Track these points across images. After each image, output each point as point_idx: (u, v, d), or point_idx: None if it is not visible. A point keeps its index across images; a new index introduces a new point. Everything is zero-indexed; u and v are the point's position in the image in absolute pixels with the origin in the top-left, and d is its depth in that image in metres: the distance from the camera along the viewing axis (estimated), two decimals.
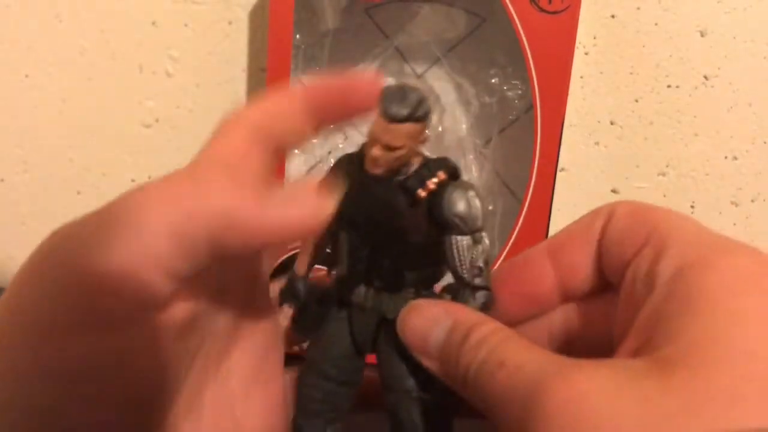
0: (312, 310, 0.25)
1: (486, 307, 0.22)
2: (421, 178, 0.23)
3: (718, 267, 0.17)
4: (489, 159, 0.47)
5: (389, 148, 0.22)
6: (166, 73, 0.50)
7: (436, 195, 0.22)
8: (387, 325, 0.23)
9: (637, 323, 0.18)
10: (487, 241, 0.22)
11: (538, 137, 0.41)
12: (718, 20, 0.47)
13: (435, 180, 0.22)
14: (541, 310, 0.23)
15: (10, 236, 0.54)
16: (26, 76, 0.51)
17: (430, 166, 0.23)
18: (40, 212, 0.53)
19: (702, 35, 0.48)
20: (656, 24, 0.48)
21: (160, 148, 0.52)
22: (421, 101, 0.22)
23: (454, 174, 0.23)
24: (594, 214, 0.22)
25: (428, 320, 0.22)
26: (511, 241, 0.42)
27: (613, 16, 0.48)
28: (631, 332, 0.18)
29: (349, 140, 0.47)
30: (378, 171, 0.22)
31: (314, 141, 0.48)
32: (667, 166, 0.50)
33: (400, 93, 0.22)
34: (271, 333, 0.25)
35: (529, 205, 0.42)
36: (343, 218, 0.22)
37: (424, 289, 0.24)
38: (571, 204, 0.51)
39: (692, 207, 0.50)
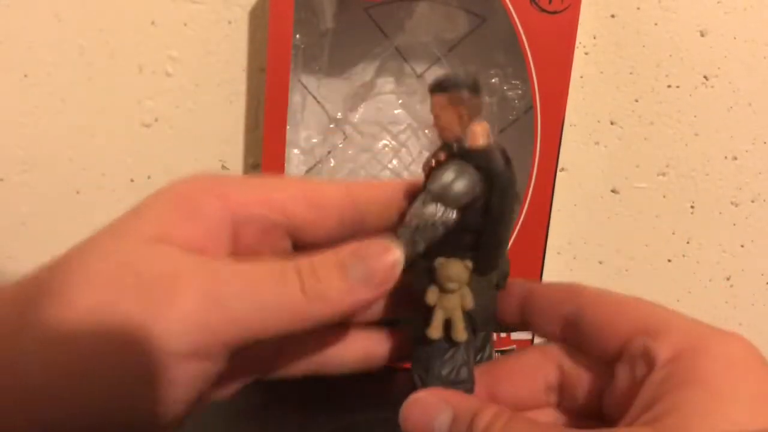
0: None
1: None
2: (428, 158, 0.25)
3: (712, 353, 0.20)
4: None
5: (433, 117, 0.24)
6: (166, 73, 0.50)
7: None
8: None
9: (640, 397, 0.20)
10: (427, 209, 0.23)
11: (538, 137, 0.41)
12: (718, 20, 0.47)
13: (434, 161, 0.24)
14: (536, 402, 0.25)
15: (10, 236, 0.54)
16: (26, 75, 0.51)
17: (449, 146, 0.24)
18: (40, 212, 0.53)
19: (702, 35, 0.48)
20: (656, 24, 0.48)
21: (160, 147, 0.51)
22: (446, 78, 0.24)
23: (461, 154, 0.24)
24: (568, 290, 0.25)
25: (428, 414, 0.22)
26: (511, 241, 0.42)
27: (613, 16, 0.48)
28: (634, 404, 0.20)
29: (348, 140, 0.47)
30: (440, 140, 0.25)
31: (314, 141, 0.48)
32: (667, 166, 0.50)
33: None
34: None
35: (529, 205, 0.42)
36: None
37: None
38: (571, 204, 0.51)
39: (692, 207, 0.50)
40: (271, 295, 0.20)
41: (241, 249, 0.23)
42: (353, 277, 0.22)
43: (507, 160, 0.25)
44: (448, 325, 0.24)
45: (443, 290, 0.24)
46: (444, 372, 0.25)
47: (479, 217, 0.24)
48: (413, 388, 0.25)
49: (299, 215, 0.23)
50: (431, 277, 0.24)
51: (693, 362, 0.20)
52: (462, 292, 0.24)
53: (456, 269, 0.24)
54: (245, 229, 0.22)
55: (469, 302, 0.24)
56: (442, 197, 0.23)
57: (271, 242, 0.23)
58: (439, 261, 0.24)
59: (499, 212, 0.24)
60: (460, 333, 0.24)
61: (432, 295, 0.24)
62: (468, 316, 0.24)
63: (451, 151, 0.24)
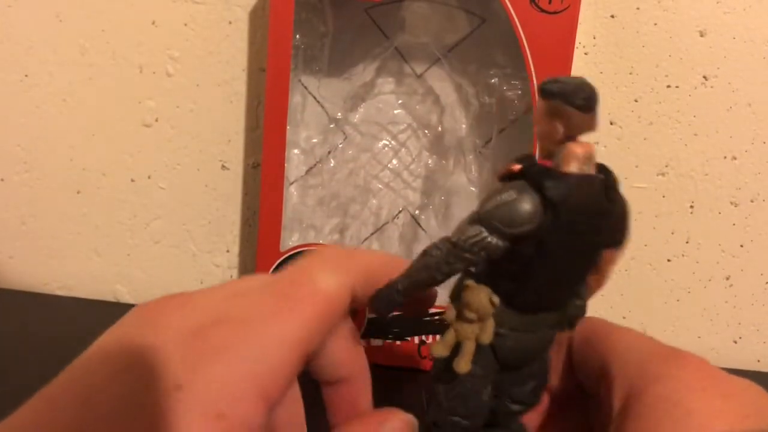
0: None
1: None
2: (508, 163, 0.22)
3: (652, 395, 0.20)
4: (489, 159, 0.47)
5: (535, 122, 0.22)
6: (166, 73, 0.50)
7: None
8: None
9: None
10: (476, 232, 0.21)
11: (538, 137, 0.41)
12: (718, 20, 0.47)
13: (506, 170, 0.22)
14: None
15: (10, 236, 0.54)
16: (26, 75, 0.51)
17: (530, 159, 0.22)
18: (40, 212, 0.53)
19: (701, 35, 0.48)
20: (656, 24, 0.48)
21: (161, 147, 0.52)
22: (554, 81, 0.21)
23: (531, 176, 0.21)
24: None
25: None
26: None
27: (612, 16, 0.48)
28: None
29: (348, 140, 0.47)
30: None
31: (314, 141, 0.48)
32: (666, 166, 0.50)
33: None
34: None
35: None
36: None
37: None
38: None
39: (691, 207, 0.50)
40: None
41: None
42: None
43: (609, 197, 0.22)
44: (456, 351, 0.22)
45: (459, 316, 0.22)
46: (447, 404, 0.23)
47: (530, 249, 0.21)
48: (426, 403, 0.24)
49: (313, 344, 0.22)
50: (456, 295, 0.22)
51: (636, 410, 0.20)
52: (482, 325, 0.22)
53: (477, 299, 0.21)
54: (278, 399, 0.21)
55: (487, 338, 0.22)
56: (487, 223, 0.20)
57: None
58: (468, 283, 0.22)
59: (557, 249, 0.21)
60: (462, 364, 0.21)
61: (450, 314, 0.22)
62: (486, 351, 0.22)
63: (528, 166, 0.21)
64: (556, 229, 0.20)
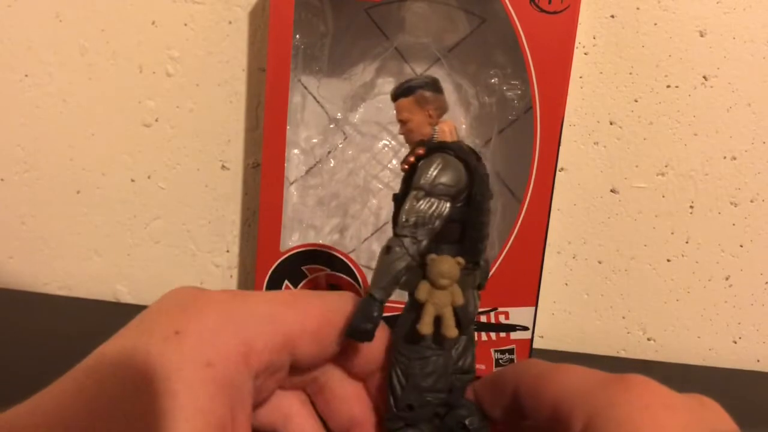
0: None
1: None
2: (406, 156, 0.25)
3: (615, 404, 0.20)
4: (488, 159, 0.47)
5: (400, 122, 0.26)
6: (166, 73, 0.50)
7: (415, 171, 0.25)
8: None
9: None
10: (429, 203, 0.24)
11: (538, 137, 0.41)
12: (718, 20, 0.47)
13: (413, 157, 0.25)
14: None
15: (10, 236, 0.54)
16: (26, 75, 0.51)
17: (424, 143, 0.25)
18: (40, 212, 0.54)
19: (701, 35, 0.48)
20: (656, 24, 0.48)
21: (160, 147, 0.52)
22: (408, 81, 0.25)
23: (439, 149, 0.25)
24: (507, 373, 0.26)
25: None
26: (511, 240, 0.42)
27: (612, 16, 0.48)
28: None
29: (348, 140, 0.47)
30: (409, 144, 0.26)
31: (314, 141, 0.48)
32: (666, 166, 0.50)
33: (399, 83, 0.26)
34: None
35: (528, 205, 0.42)
36: None
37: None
38: (570, 204, 0.51)
39: (691, 207, 0.50)
40: None
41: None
42: None
43: (478, 158, 0.26)
44: (437, 322, 0.24)
45: (435, 286, 0.24)
46: (424, 384, 0.25)
47: (464, 208, 0.25)
48: (391, 387, 0.25)
49: (306, 351, 0.24)
50: (423, 272, 0.24)
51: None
52: (452, 289, 0.24)
53: (448, 265, 0.24)
54: (260, 374, 0.22)
55: (460, 298, 0.24)
56: (434, 190, 0.24)
57: (276, 377, 0.24)
58: (431, 257, 0.24)
59: (480, 202, 0.25)
60: (451, 329, 0.24)
61: (423, 291, 0.24)
62: (456, 314, 0.24)
63: (428, 145, 0.25)
64: (475, 184, 0.24)
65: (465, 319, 0.25)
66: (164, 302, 0.22)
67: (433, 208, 0.24)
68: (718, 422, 0.20)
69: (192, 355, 0.20)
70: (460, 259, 0.24)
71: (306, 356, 0.23)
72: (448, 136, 0.25)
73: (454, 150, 0.24)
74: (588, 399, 0.21)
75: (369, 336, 0.24)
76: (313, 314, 0.23)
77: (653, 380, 0.21)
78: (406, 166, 0.25)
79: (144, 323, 0.21)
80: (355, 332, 0.23)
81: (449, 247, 0.25)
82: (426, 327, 0.24)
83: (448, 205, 0.24)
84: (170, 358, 0.19)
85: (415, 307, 0.24)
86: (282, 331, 0.22)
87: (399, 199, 0.25)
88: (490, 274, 0.38)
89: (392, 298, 0.24)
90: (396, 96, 0.25)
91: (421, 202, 0.24)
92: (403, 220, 0.24)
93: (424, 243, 0.24)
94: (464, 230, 0.25)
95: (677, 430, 0.19)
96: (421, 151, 0.25)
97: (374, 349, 0.25)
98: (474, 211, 0.25)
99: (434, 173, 0.24)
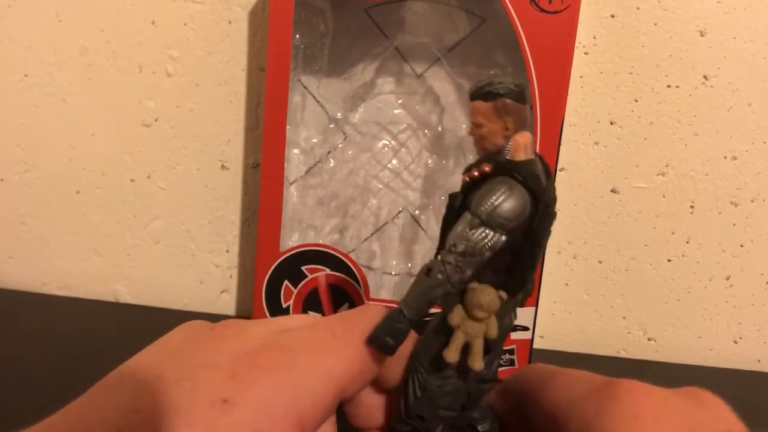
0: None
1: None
2: (471, 165, 0.23)
3: (604, 414, 0.20)
4: None
5: (473, 125, 0.23)
6: (166, 73, 0.50)
7: (476, 185, 0.22)
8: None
9: None
10: (482, 234, 0.21)
11: (538, 137, 0.41)
12: (718, 20, 0.47)
13: (477, 172, 0.23)
14: None
15: (10, 236, 0.54)
16: (26, 75, 0.51)
17: (493, 158, 0.23)
18: (40, 212, 0.53)
19: (702, 35, 0.48)
20: (656, 24, 0.48)
21: (160, 147, 0.52)
22: (492, 83, 0.23)
23: (507, 171, 0.22)
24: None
25: None
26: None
27: (612, 16, 0.48)
28: None
29: (348, 140, 0.47)
30: (476, 152, 0.24)
31: (314, 141, 0.48)
32: (666, 166, 0.50)
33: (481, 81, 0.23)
34: None
35: None
36: None
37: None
38: (571, 204, 0.51)
39: (692, 207, 0.50)
40: None
41: None
42: None
43: (548, 175, 0.23)
44: (465, 351, 0.23)
45: (470, 316, 0.22)
46: (440, 402, 0.24)
47: (520, 238, 0.22)
48: (405, 393, 0.24)
49: (354, 391, 0.23)
50: (461, 298, 0.23)
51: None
52: (489, 321, 0.23)
53: (489, 298, 0.22)
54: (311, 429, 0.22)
55: (494, 332, 0.23)
56: (491, 221, 0.21)
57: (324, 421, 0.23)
58: (472, 286, 0.22)
59: (542, 233, 0.23)
60: (478, 362, 0.22)
61: (457, 317, 0.22)
62: (486, 343, 0.23)
63: (497, 163, 0.22)
64: (538, 215, 0.22)
65: (494, 348, 0.24)
66: (207, 354, 0.21)
67: (486, 240, 0.22)
68: (715, 422, 0.19)
69: (241, 426, 0.19)
70: (503, 294, 0.23)
71: (353, 394, 0.23)
72: (521, 153, 0.22)
73: (524, 176, 0.22)
74: (579, 409, 0.20)
75: (391, 351, 0.22)
76: (358, 356, 0.23)
77: (646, 384, 0.20)
78: (468, 180, 0.23)
79: (188, 382, 0.20)
80: (377, 343, 0.22)
81: (494, 274, 0.23)
82: (452, 356, 0.22)
83: (503, 239, 0.22)
84: (219, 426, 0.18)
85: (445, 329, 0.23)
86: (333, 385, 0.21)
87: (452, 214, 0.23)
88: None
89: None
90: (474, 96, 0.23)
91: (474, 231, 0.22)
92: (452, 244, 0.22)
93: (468, 274, 0.22)
94: (515, 260, 0.23)
95: None
96: (487, 169, 0.22)
97: (401, 362, 0.25)
98: (532, 243, 0.23)
99: (496, 203, 0.21)
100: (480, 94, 0.23)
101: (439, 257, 0.22)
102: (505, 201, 0.21)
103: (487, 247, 0.22)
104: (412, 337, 0.25)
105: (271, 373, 0.20)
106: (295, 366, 0.21)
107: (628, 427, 0.19)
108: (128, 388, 0.19)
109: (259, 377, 0.20)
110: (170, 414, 0.19)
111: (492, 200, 0.21)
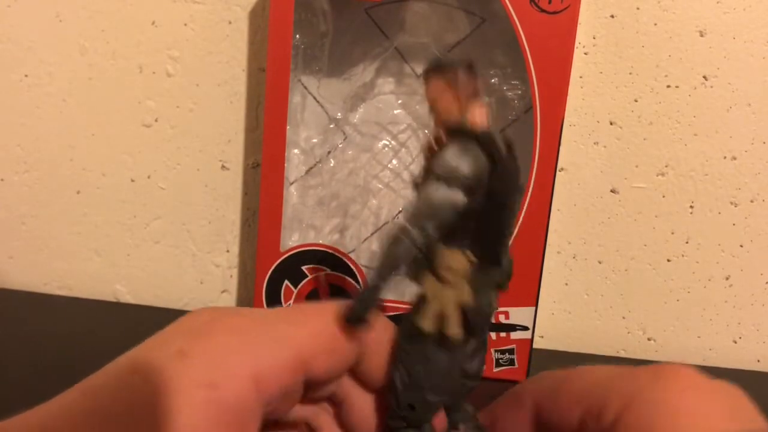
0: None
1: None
2: (430, 139, 0.23)
3: (653, 387, 0.20)
4: None
5: (428, 102, 0.24)
6: (166, 73, 0.50)
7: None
8: None
9: None
10: (434, 192, 0.22)
11: (538, 137, 0.41)
12: (718, 20, 0.47)
13: (435, 141, 0.23)
14: None
15: (10, 236, 0.54)
16: (26, 75, 0.51)
17: (450, 128, 0.23)
18: (40, 212, 0.54)
19: (701, 35, 0.48)
20: (656, 24, 0.48)
21: (161, 147, 0.52)
22: (446, 60, 0.23)
23: (462, 134, 0.23)
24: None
25: None
26: (511, 240, 0.42)
27: (612, 16, 0.48)
28: None
29: (348, 140, 0.47)
30: (436, 127, 0.24)
31: (314, 141, 0.48)
32: (666, 166, 0.50)
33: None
34: None
35: (528, 205, 0.42)
36: None
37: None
38: (570, 204, 0.51)
39: (691, 207, 0.50)
40: None
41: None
42: None
43: (510, 148, 0.23)
44: (441, 321, 0.23)
45: (440, 280, 0.23)
46: (426, 384, 0.24)
47: (483, 202, 0.23)
48: (393, 385, 0.24)
49: (321, 368, 0.23)
50: (430, 265, 0.23)
51: (626, 421, 0.20)
52: (461, 287, 0.23)
53: (456, 259, 0.23)
54: (273, 397, 0.22)
55: (468, 299, 0.23)
56: (449, 178, 0.22)
57: (291, 398, 0.24)
58: (440, 249, 0.23)
59: (503, 197, 0.23)
60: (454, 328, 0.22)
61: (426, 283, 0.23)
62: (464, 314, 0.23)
63: (453, 131, 0.23)
64: (498, 177, 0.22)
65: (476, 321, 0.23)
66: (181, 322, 0.22)
67: (444, 196, 0.22)
68: (752, 412, 0.20)
69: (196, 376, 0.19)
70: (470, 255, 0.23)
71: (321, 373, 0.23)
72: (479, 121, 0.23)
73: (479, 138, 0.22)
74: (622, 384, 0.21)
75: (358, 320, 0.22)
76: (325, 329, 0.23)
77: (691, 366, 0.21)
78: (427, 153, 0.23)
79: (156, 341, 0.21)
80: (346, 313, 0.22)
81: (464, 243, 0.23)
82: (427, 323, 0.22)
83: (461, 196, 0.22)
84: (172, 376, 0.19)
85: (418, 302, 0.23)
86: (295, 352, 0.22)
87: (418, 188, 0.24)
88: None
89: (395, 297, 0.23)
90: (427, 74, 0.23)
91: (434, 189, 0.22)
92: (413, 208, 0.22)
93: (430, 230, 0.22)
94: (481, 226, 0.23)
95: (719, 415, 0.19)
96: (443, 137, 0.23)
97: (385, 357, 0.25)
98: (494, 206, 0.23)
99: (451, 160, 0.22)
100: (433, 70, 0.23)
101: (407, 222, 0.22)
102: (459, 158, 0.22)
103: (447, 204, 0.22)
104: (394, 330, 0.25)
105: (232, 331, 0.21)
106: (258, 327, 0.22)
107: (680, 397, 0.19)
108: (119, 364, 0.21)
109: (219, 332, 0.21)
110: (136, 367, 0.20)
111: (447, 157, 0.22)
